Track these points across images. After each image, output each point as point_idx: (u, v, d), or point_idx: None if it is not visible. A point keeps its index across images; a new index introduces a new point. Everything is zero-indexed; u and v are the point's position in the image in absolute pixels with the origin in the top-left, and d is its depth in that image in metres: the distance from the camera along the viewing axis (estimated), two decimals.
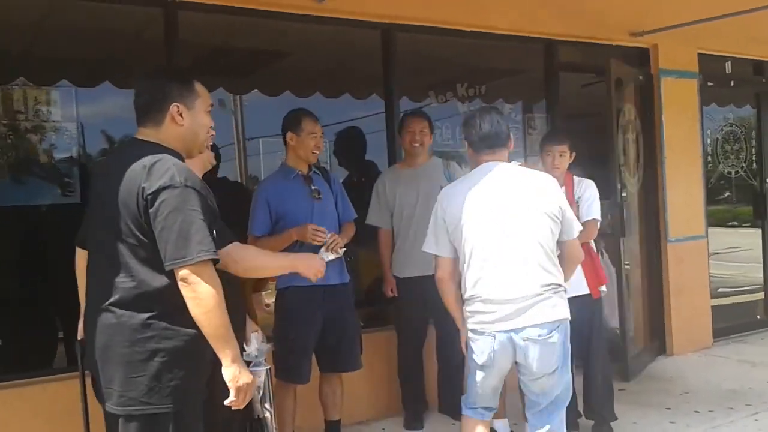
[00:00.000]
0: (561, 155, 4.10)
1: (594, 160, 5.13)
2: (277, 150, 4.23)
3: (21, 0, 4.01)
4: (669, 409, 4.63)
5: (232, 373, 2.14)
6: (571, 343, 3.16)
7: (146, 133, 2.30)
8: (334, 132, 5.37)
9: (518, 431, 4.08)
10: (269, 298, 3.82)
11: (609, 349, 4.45)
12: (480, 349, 2.94)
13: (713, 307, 6.39)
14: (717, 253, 6.79)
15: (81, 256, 2.48)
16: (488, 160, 3.05)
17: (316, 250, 3.44)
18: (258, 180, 4.87)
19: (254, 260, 2.63)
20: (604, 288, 4.18)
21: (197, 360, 2.20)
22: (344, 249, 3.65)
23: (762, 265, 7.00)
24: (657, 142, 5.97)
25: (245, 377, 2.16)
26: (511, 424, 4.11)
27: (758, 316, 6.99)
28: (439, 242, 3.04)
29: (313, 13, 4.58)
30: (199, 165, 2.66)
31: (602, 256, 5.07)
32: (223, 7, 4.34)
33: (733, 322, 6.66)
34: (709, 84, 6.39)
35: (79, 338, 2.68)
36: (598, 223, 4.14)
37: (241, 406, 2.20)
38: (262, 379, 2.44)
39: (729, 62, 6.52)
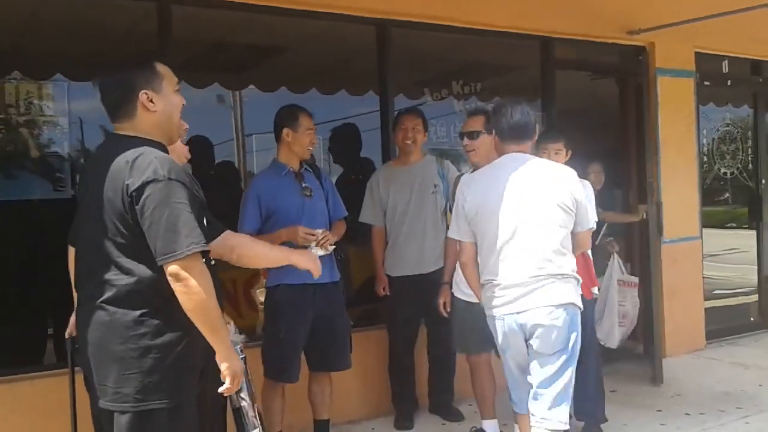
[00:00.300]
0: (556, 153, 4.07)
1: (592, 157, 5.14)
2: (272, 147, 4.21)
3: None
4: (660, 411, 4.62)
5: (227, 362, 2.18)
6: None
7: (123, 128, 2.27)
8: (330, 129, 5.36)
9: None
10: (263, 296, 3.81)
11: (600, 350, 4.44)
12: (496, 332, 3.13)
13: (708, 309, 6.37)
14: (715, 255, 6.79)
15: (73, 254, 2.47)
16: (514, 151, 3.15)
17: (305, 248, 3.42)
18: None
19: (251, 248, 2.66)
20: (596, 290, 4.16)
21: (190, 355, 2.21)
22: (334, 247, 3.65)
23: (756, 266, 6.99)
24: (653, 141, 5.94)
25: (239, 365, 2.21)
26: (500, 425, 4.09)
27: (752, 319, 6.98)
28: (461, 228, 3.19)
29: (307, 8, 4.56)
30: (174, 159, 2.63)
31: (614, 257, 5.10)
32: (217, 2, 4.32)
33: (727, 324, 6.65)
34: (706, 83, 6.37)
35: (67, 335, 2.68)
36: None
37: (233, 393, 2.26)
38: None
39: (726, 61, 6.50)
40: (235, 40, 5.08)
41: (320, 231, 3.57)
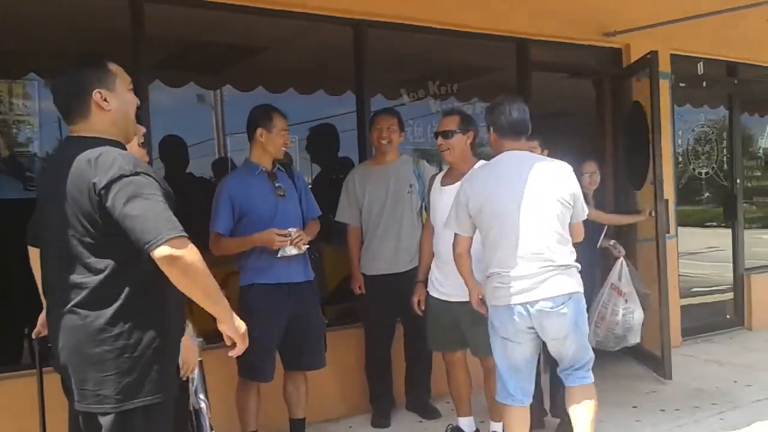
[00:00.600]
0: (531, 151, 4.08)
1: (572, 159, 5.14)
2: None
3: None
4: (635, 407, 4.66)
5: (235, 325, 2.21)
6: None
7: (79, 130, 2.25)
8: (308, 128, 5.36)
9: (484, 429, 4.07)
10: None
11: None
12: (500, 322, 3.24)
13: (685, 306, 6.44)
14: (693, 253, 6.85)
15: (35, 254, 2.44)
16: (512, 148, 3.30)
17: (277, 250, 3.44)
18: None
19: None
20: None
21: (167, 351, 2.21)
22: (308, 246, 3.65)
23: (731, 264, 7.07)
24: (660, 141, 5.94)
25: (243, 324, 2.25)
26: (477, 422, 4.10)
27: (728, 316, 7.06)
28: (460, 222, 3.32)
29: (283, 8, 4.56)
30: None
31: (620, 261, 5.01)
32: (192, 1, 4.31)
33: (703, 321, 6.72)
34: (681, 85, 6.43)
35: (34, 335, 2.66)
36: None
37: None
38: (196, 371, 2.44)
39: (701, 63, 6.56)
40: (211, 40, 5.05)
41: (293, 230, 3.57)
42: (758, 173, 7.68)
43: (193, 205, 4.49)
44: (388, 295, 4.35)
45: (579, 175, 4.75)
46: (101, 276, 2.12)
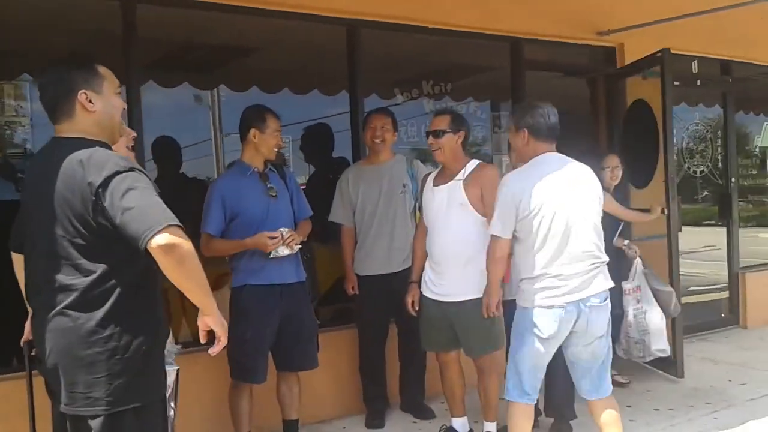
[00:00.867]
0: None
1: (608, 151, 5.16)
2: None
3: None
4: (630, 406, 4.64)
5: (219, 319, 2.19)
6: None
7: (64, 129, 2.24)
8: (302, 128, 5.36)
9: (477, 429, 4.07)
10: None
11: None
12: (547, 323, 3.23)
13: (681, 306, 6.41)
14: (690, 252, 6.83)
15: (18, 260, 2.44)
16: (546, 150, 3.34)
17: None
18: None
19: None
20: None
21: (156, 355, 2.21)
22: (300, 246, 3.64)
23: (726, 263, 7.07)
24: (671, 139, 5.93)
25: (224, 321, 2.23)
26: (470, 422, 4.10)
27: (723, 315, 7.05)
28: (506, 226, 3.29)
29: (276, 8, 4.55)
30: None
31: (636, 262, 4.94)
32: (184, 2, 4.30)
33: (698, 320, 6.70)
34: (676, 83, 6.41)
35: (22, 341, 2.65)
36: None
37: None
38: (172, 379, 2.44)
39: (696, 62, 6.54)
40: (205, 40, 5.06)
41: (285, 230, 3.57)
42: (754, 172, 7.68)
43: (186, 205, 4.51)
44: (381, 295, 4.34)
45: (599, 170, 4.72)
46: (92, 277, 2.11)
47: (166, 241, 1.97)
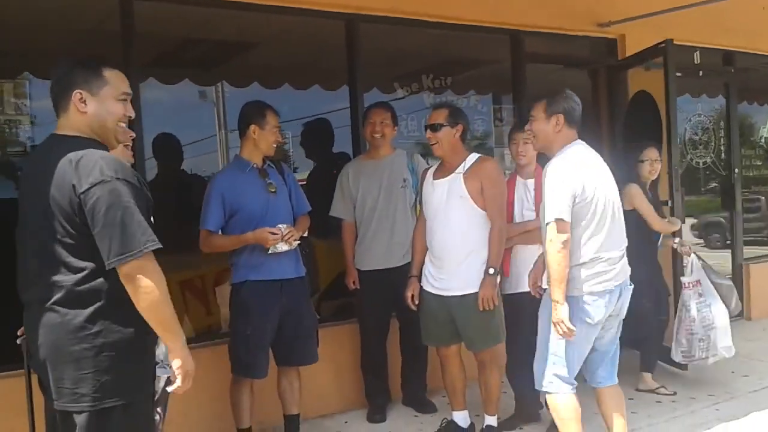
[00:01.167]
0: (525, 143, 4.07)
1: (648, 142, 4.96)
2: None
3: None
4: (632, 399, 4.63)
5: (181, 361, 2.19)
6: (539, 335, 3.33)
7: (62, 125, 2.27)
8: (302, 124, 5.36)
9: (478, 423, 4.08)
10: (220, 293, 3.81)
11: None
12: (598, 308, 3.24)
13: None
14: (697, 243, 6.81)
15: None
16: (576, 138, 3.34)
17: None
18: None
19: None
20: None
21: (145, 351, 2.23)
22: (299, 242, 3.65)
23: (730, 254, 7.05)
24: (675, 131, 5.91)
25: (191, 363, 2.22)
26: (472, 416, 4.11)
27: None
28: (567, 210, 3.17)
29: (275, 3, 4.54)
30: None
31: (689, 259, 4.78)
32: None
33: None
34: (678, 74, 6.37)
35: (19, 339, 2.66)
36: None
37: (182, 392, 2.26)
38: (162, 383, 2.44)
39: (698, 52, 6.50)
40: (205, 36, 5.07)
41: (284, 226, 3.57)
42: (759, 162, 7.64)
43: (186, 202, 4.52)
44: (382, 290, 4.34)
45: (637, 162, 4.68)
46: (81, 275, 2.14)
47: (129, 272, 2.08)
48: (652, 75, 6.10)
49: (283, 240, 3.54)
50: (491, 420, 4.00)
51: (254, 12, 4.63)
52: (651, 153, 4.71)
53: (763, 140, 7.75)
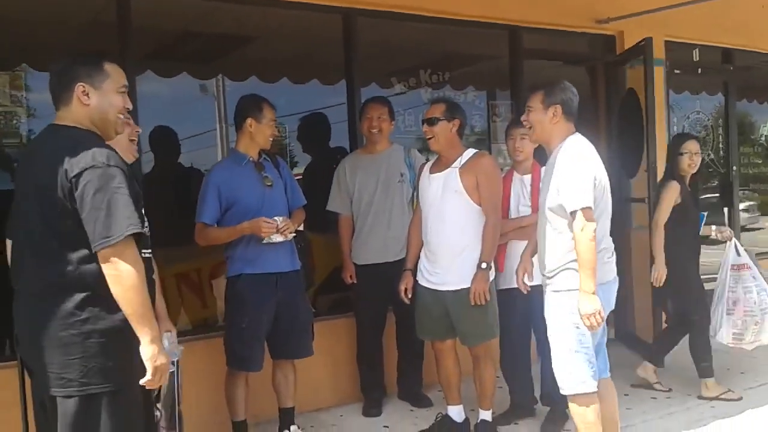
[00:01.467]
0: (522, 139, 4.07)
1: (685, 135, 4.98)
2: None
3: None
4: (627, 395, 4.65)
5: (150, 353, 2.19)
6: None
7: (61, 116, 2.31)
8: (300, 118, 5.36)
9: (473, 417, 4.08)
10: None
11: None
12: (611, 295, 3.25)
13: None
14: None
15: (10, 246, 2.47)
16: (575, 130, 3.27)
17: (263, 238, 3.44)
18: None
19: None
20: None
21: (133, 338, 2.23)
22: (294, 234, 3.66)
23: None
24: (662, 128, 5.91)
25: (162, 358, 2.22)
26: (467, 411, 4.11)
27: None
28: (592, 197, 3.10)
29: None
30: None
31: (730, 243, 4.77)
32: None
33: None
34: (676, 72, 6.39)
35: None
36: None
37: (155, 387, 2.28)
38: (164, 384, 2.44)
39: (697, 50, 6.51)
40: (204, 30, 5.06)
41: (280, 219, 3.58)
42: (758, 160, 7.64)
43: (183, 195, 4.52)
44: (379, 284, 4.34)
45: (677, 154, 4.56)
46: (71, 263, 2.16)
47: (109, 256, 2.11)
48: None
49: (278, 232, 3.54)
50: (486, 415, 4.00)
51: (252, 5, 4.64)
52: (691, 145, 4.52)
53: (763, 138, 7.75)
